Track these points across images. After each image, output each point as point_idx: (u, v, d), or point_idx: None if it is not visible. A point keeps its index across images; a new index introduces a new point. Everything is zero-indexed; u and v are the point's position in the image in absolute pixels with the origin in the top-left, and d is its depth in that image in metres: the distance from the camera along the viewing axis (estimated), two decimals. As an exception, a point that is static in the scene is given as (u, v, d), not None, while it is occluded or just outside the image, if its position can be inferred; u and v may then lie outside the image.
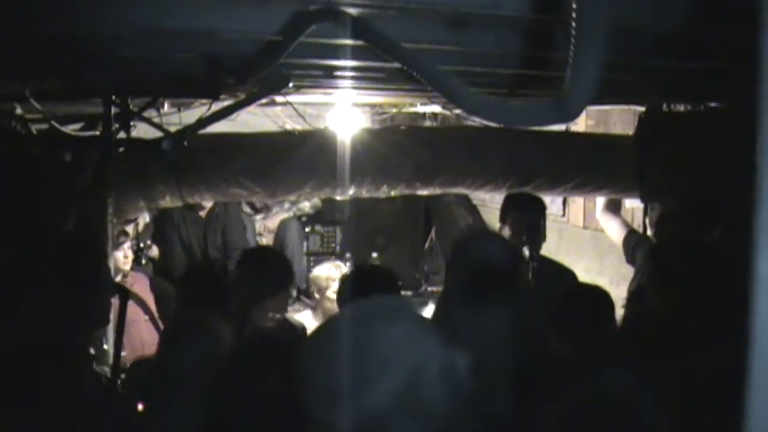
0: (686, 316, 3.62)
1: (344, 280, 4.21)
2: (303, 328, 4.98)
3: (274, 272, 4.58)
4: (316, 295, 6.18)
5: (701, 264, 3.95)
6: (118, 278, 5.91)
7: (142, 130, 4.94)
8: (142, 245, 7.02)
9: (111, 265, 4.96)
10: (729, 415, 1.02)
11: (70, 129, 5.08)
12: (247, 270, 4.64)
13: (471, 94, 2.75)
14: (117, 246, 5.88)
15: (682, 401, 2.74)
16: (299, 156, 5.36)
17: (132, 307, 5.41)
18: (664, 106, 5.41)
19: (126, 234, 6.26)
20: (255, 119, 6.13)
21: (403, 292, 8.37)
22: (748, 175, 0.94)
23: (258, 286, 4.48)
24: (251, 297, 4.46)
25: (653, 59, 3.35)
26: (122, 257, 6.10)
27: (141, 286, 6.18)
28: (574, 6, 1.96)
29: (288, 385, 2.84)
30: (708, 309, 3.42)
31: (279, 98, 5.14)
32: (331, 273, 6.04)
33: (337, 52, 3.14)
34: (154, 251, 7.46)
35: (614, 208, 5.96)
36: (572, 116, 2.60)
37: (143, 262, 7.00)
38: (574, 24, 2.03)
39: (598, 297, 3.86)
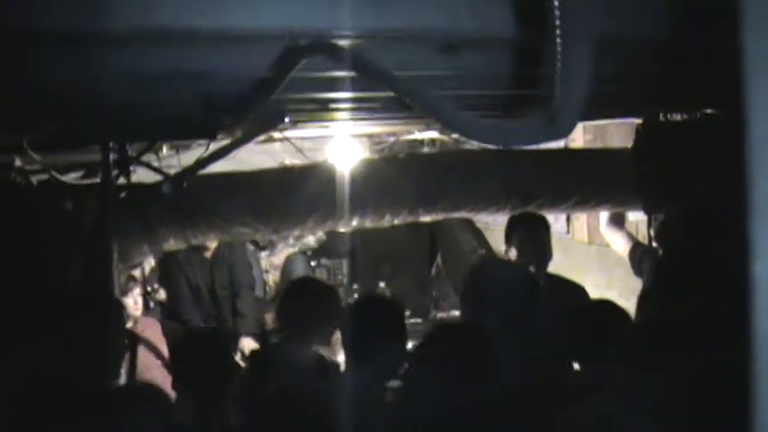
0: (691, 323, 3.61)
1: (348, 311, 4.20)
2: (338, 367, 4.95)
3: (325, 305, 4.53)
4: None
5: (704, 271, 3.94)
6: (129, 324, 5.88)
7: (142, 174, 4.96)
8: (149, 289, 7.01)
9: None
10: (738, 422, 1.02)
11: (70, 178, 5.10)
12: (298, 300, 4.59)
13: (464, 116, 2.76)
14: (126, 292, 5.87)
15: (691, 407, 2.73)
16: (300, 191, 5.36)
17: (145, 355, 5.40)
18: (661, 116, 5.41)
19: (135, 279, 6.24)
20: (253, 157, 6.15)
21: (412, 320, 8.37)
22: (743, 179, 0.94)
23: (306, 318, 4.42)
24: (298, 328, 4.42)
25: (644, 68, 3.35)
26: (132, 303, 6.06)
27: (152, 331, 6.14)
28: (557, 22, 1.97)
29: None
30: (712, 315, 3.41)
31: (276, 134, 5.16)
32: None
33: (330, 84, 3.14)
34: (161, 295, 7.45)
35: (618, 221, 5.94)
36: (564, 132, 2.61)
37: (151, 305, 6.98)
38: (558, 39, 2.04)
39: (614, 314, 3.85)
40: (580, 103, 2.28)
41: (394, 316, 3.92)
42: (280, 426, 2.85)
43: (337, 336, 5.69)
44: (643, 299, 5.19)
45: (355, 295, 8.45)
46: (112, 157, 4.50)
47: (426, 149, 7.80)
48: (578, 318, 3.93)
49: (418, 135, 6.63)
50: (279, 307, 4.77)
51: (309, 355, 4.43)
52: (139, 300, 6.18)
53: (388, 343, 3.71)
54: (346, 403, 3.40)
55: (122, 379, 4.73)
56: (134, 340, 4.72)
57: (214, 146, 4.62)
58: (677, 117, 5.40)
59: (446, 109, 2.75)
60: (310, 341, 4.43)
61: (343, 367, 4.55)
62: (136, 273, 6.40)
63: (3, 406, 3.22)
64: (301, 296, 4.61)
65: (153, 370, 5.78)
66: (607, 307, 4.04)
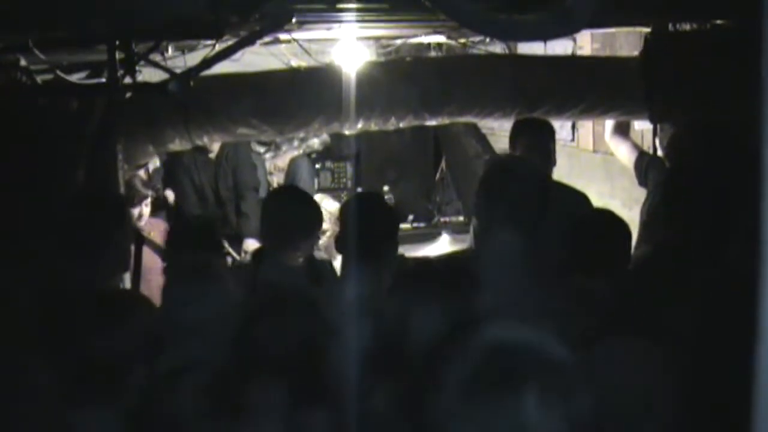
0: (702, 242, 3.61)
1: (344, 207, 4.22)
2: (331, 264, 5.01)
3: (304, 215, 4.53)
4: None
5: (717, 187, 3.93)
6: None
7: (147, 76, 4.94)
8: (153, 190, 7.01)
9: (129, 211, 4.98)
10: (743, 346, 1.03)
11: (76, 78, 5.08)
12: (276, 212, 4.60)
13: (477, 10, 2.74)
14: (137, 201, 5.85)
15: (698, 334, 2.76)
16: (306, 92, 5.34)
17: (150, 255, 5.43)
18: (670, 26, 5.37)
19: (148, 186, 6.17)
20: (260, 59, 6.11)
21: (416, 224, 8.42)
22: (757, 92, 0.94)
23: (287, 229, 4.43)
24: (280, 239, 4.44)
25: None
26: (138, 214, 5.95)
27: (158, 232, 6.16)
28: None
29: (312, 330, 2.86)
30: (723, 230, 3.42)
31: (283, 36, 5.12)
32: None
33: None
34: (170, 196, 7.45)
35: (623, 130, 5.93)
36: (577, 27, 2.61)
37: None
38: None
39: (615, 226, 3.84)
40: (593, 1, 2.27)
41: (388, 211, 3.98)
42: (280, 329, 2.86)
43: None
44: (647, 211, 5.22)
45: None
46: (118, 56, 4.48)
47: (433, 53, 7.75)
48: (578, 228, 3.93)
49: (425, 39, 6.58)
50: (261, 218, 4.78)
51: (297, 258, 4.47)
52: (147, 210, 6.09)
53: (384, 237, 3.77)
54: (348, 302, 3.45)
55: (127, 278, 4.78)
56: (140, 239, 4.75)
57: (220, 46, 4.59)
58: (686, 27, 5.36)
59: (457, 4, 2.73)
60: (293, 251, 4.44)
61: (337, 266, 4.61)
62: (143, 174, 6.38)
63: (11, 307, 3.26)
64: (281, 206, 4.62)
65: (158, 269, 5.81)
66: (607, 217, 4.03)
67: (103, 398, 2.65)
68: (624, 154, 5.84)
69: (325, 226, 5.93)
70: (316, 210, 4.59)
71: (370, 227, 3.73)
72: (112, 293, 3.20)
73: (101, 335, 2.65)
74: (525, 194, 3.46)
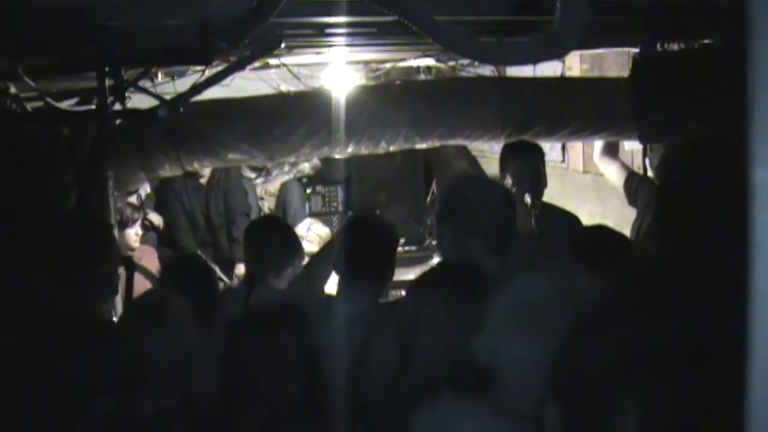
0: (696, 258, 3.59)
1: (342, 228, 4.24)
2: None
3: (284, 245, 4.58)
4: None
5: (711, 204, 3.91)
6: (128, 253, 5.89)
7: (137, 102, 4.94)
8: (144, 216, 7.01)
9: (117, 237, 4.97)
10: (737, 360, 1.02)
11: (66, 105, 5.07)
12: (257, 243, 4.66)
13: (463, 36, 2.74)
14: (131, 223, 5.87)
15: (693, 349, 2.74)
16: (296, 117, 5.34)
17: (141, 281, 5.43)
18: (658, 46, 5.39)
19: (138, 210, 6.21)
20: (249, 84, 6.12)
21: (407, 247, 8.41)
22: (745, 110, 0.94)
23: (269, 259, 4.49)
24: (263, 268, 4.47)
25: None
26: (134, 235, 6.03)
27: (149, 258, 6.16)
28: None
29: (299, 347, 2.86)
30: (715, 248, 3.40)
31: (273, 61, 5.13)
32: (299, 230, 6.07)
33: (328, 8, 3.13)
34: (159, 220, 7.45)
35: (612, 151, 5.93)
36: (564, 51, 2.60)
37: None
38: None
39: (614, 239, 3.83)
40: (581, 23, 2.28)
41: (386, 233, 3.98)
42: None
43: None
44: (637, 230, 5.22)
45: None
46: (107, 83, 4.48)
47: (422, 77, 7.77)
48: (574, 243, 3.92)
49: (414, 62, 6.60)
50: (243, 248, 4.86)
51: (283, 285, 4.50)
52: (140, 232, 6.17)
53: (382, 258, 3.77)
54: (341, 320, 3.45)
55: (118, 306, 4.77)
56: (131, 266, 4.74)
57: (209, 72, 4.60)
58: (674, 47, 5.38)
59: (445, 29, 2.73)
60: (276, 278, 4.48)
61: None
62: (133, 200, 6.39)
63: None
64: (261, 238, 4.68)
65: (150, 295, 5.80)
66: (603, 231, 4.03)
67: (69, 426, 2.62)
68: (613, 174, 5.84)
69: (316, 249, 5.95)
70: (294, 239, 4.65)
71: (368, 249, 3.73)
72: (84, 318, 3.17)
73: (67, 360, 2.63)
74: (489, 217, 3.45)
